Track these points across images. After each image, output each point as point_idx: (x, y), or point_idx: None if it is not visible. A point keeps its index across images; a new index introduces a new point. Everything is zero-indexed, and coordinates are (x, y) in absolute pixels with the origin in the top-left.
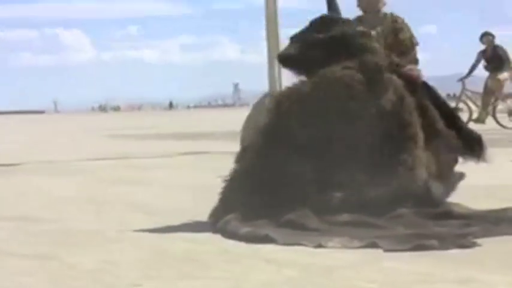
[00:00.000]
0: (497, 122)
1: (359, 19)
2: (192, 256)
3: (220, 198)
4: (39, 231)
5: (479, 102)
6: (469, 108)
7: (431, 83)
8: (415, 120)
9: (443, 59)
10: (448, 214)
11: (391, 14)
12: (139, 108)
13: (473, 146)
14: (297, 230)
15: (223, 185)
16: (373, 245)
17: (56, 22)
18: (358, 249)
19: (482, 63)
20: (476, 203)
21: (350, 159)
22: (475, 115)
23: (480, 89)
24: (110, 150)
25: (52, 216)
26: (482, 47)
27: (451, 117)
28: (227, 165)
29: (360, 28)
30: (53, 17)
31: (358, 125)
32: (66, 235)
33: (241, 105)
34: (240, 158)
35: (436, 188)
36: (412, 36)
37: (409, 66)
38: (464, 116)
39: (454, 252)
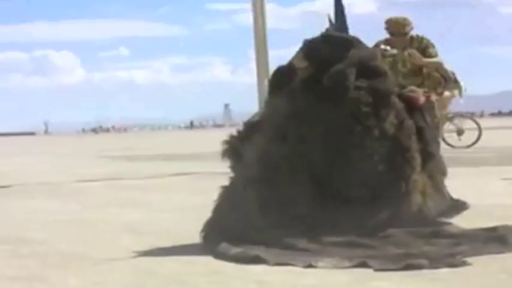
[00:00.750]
0: (445, 142)
1: (387, 42)
2: (181, 277)
3: (212, 217)
4: (29, 253)
5: None
6: None
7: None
8: (414, 144)
9: None
10: (438, 233)
11: (417, 36)
12: (128, 129)
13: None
14: (287, 250)
15: (214, 204)
16: (363, 265)
17: (46, 43)
18: (348, 269)
19: None
20: (465, 222)
21: (348, 183)
22: None
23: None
24: (101, 171)
25: (42, 238)
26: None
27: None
28: (217, 186)
29: (383, 46)
30: (43, 38)
31: (361, 148)
32: (56, 257)
33: (232, 125)
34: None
35: (431, 209)
36: (437, 55)
37: (411, 88)
38: None
39: (444, 271)
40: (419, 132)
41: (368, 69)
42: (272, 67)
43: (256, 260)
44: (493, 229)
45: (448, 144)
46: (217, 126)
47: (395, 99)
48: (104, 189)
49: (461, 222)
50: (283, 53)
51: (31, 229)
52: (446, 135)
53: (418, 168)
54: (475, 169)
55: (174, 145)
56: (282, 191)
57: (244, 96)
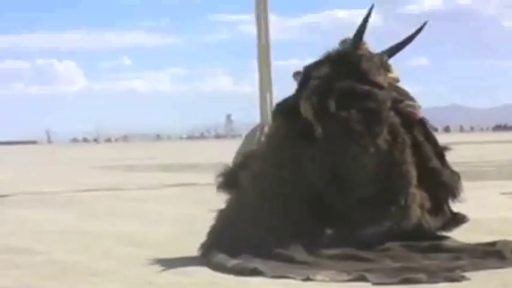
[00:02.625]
0: None
1: None
2: None
3: (211, 230)
4: (25, 263)
5: None
6: None
7: (425, 114)
8: (409, 158)
9: (436, 90)
10: (437, 247)
11: None
12: (129, 139)
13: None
14: (285, 263)
15: (214, 217)
16: (361, 279)
17: (49, 53)
18: (346, 283)
19: None
20: (464, 235)
21: (346, 198)
22: None
23: None
24: (100, 181)
25: (38, 248)
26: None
27: (439, 155)
28: (215, 197)
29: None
30: (46, 48)
31: (356, 165)
32: (52, 267)
33: (234, 136)
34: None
35: (430, 223)
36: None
37: (408, 102)
38: None
39: (443, 285)
40: (418, 146)
41: (356, 91)
42: (274, 78)
43: (254, 272)
44: (492, 244)
45: None
46: (219, 136)
47: (388, 114)
48: (101, 199)
49: (459, 236)
50: (283, 64)
51: (27, 239)
52: None
53: (415, 181)
54: (474, 183)
55: (174, 155)
56: (276, 203)
57: (247, 107)
